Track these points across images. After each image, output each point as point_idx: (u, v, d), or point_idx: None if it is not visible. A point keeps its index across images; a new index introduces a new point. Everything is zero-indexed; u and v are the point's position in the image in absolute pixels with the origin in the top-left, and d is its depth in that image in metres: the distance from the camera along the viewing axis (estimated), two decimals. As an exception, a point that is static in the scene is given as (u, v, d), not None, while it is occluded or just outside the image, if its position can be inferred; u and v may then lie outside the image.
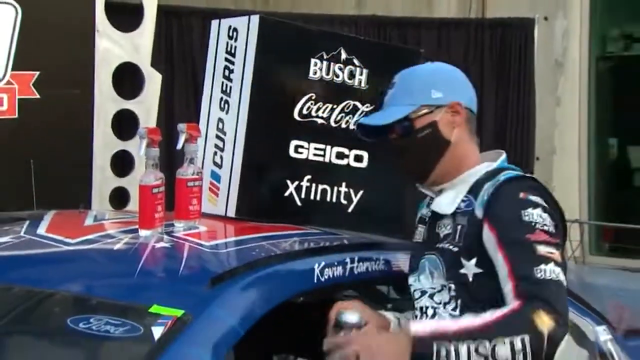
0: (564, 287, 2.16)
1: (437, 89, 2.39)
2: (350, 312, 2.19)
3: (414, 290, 2.44)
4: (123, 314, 1.98)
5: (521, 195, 2.26)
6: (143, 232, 2.44)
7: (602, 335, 3.07)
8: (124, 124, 4.74)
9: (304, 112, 2.94)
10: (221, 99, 2.93)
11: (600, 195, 7.88)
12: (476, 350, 2.05)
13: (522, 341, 2.04)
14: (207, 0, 7.15)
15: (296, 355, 3.23)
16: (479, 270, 2.31)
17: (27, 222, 2.56)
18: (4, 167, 4.36)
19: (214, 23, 2.97)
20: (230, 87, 2.90)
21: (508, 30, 6.49)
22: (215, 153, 2.92)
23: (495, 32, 6.46)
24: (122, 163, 4.80)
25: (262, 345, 2.92)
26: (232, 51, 2.92)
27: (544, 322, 2.06)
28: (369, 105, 2.97)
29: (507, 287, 2.18)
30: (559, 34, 7.32)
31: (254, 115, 2.86)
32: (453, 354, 2.04)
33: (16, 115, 4.46)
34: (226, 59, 2.93)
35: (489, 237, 2.25)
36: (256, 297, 2.19)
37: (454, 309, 2.34)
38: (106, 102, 4.73)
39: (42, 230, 2.50)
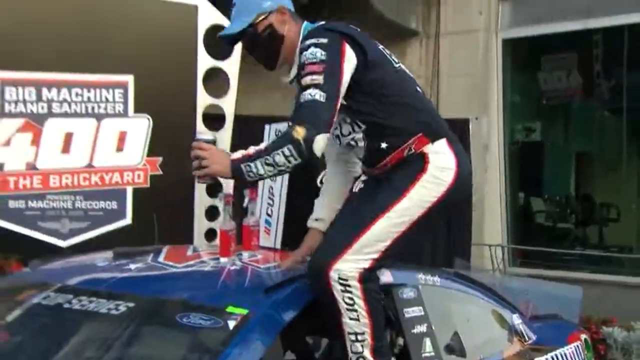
0: (318, 103, 2.00)
1: (265, 0, 2.22)
2: (205, 133, 2.19)
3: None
4: (210, 312, 1.97)
5: (306, 43, 2.10)
6: (222, 259, 2.42)
7: (516, 320, 3.03)
8: (213, 192, 4.70)
9: (323, 181, 2.90)
10: (272, 174, 2.98)
11: (513, 228, 7.82)
12: (265, 162, 1.99)
13: (289, 149, 1.96)
14: (264, 109, 7.21)
15: (322, 336, 3.18)
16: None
17: (152, 254, 2.55)
18: (141, 219, 4.34)
19: (267, 127, 3.02)
20: (278, 167, 2.95)
21: (453, 126, 6.37)
22: (268, 208, 2.93)
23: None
24: (211, 213, 4.76)
25: (299, 331, 2.88)
26: (278, 144, 2.97)
27: (299, 133, 1.97)
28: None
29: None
30: (485, 128, 7.32)
31: (291, 186, 2.86)
32: (253, 167, 2.00)
33: (148, 185, 4.46)
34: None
35: None
36: (293, 300, 2.13)
37: (359, 126, 2.17)
38: (202, 175, 4.68)
39: (161, 258, 2.49)
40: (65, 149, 4.28)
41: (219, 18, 4.79)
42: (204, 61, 4.73)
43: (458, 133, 6.48)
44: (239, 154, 2.06)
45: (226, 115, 4.83)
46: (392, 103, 2.18)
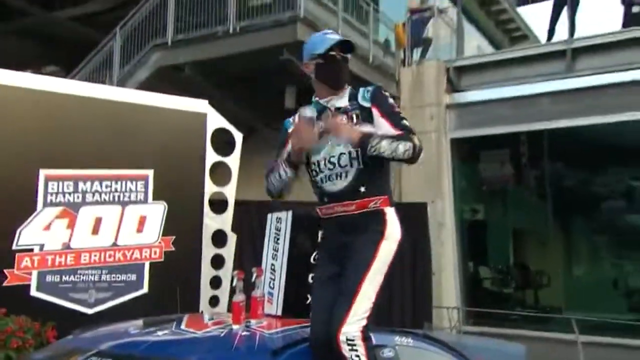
0: (408, 124, 2.26)
1: (307, 54, 2.39)
2: (306, 108, 2.25)
3: (319, 160, 2.32)
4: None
5: (383, 92, 2.33)
6: (235, 326, 2.42)
7: (474, 372, 2.99)
8: (217, 264, 4.63)
9: (316, 258, 2.92)
10: (273, 254, 2.98)
11: (466, 293, 7.82)
12: (390, 145, 2.17)
13: (410, 146, 2.19)
14: (258, 195, 7.23)
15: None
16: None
17: (175, 322, 2.52)
18: (156, 288, 4.28)
19: (269, 215, 3.07)
20: (278, 247, 2.95)
21: (414, 208, 6.01)
22: (270, 282, 2.94)
23: (409, 209, 5.84)
24: (215, 283, 4.63)
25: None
26: (278, 229, 3.00)
27: (418, 141, 2.22)
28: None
29: (391, 131, 2.23)
30: (440, 209, 7.46)
31: (289, 263, 2.88)
32: (378, 145, 2.17)
33: (162, 259, 4.39)
34: (275, 233, 3.00)
35: (376, 113, 2.27)
36: (296, 360, 2.12)
37: (359, 163, 2.28)
38: (207, 248, 4.57)
39: (183, 326, 2.47)
40: (95, 231, 4.25)
41: (222, 122, 4.91)
42: (211, 157, 4.76)
43: (418, 214, 6.67)
44: (365, 129, 2.22)
45: (228, 200, 4.82)
46: (387, 165, 2.38)
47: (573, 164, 8.15)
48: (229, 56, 7.42)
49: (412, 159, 2.21)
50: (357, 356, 2.08)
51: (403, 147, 2.18)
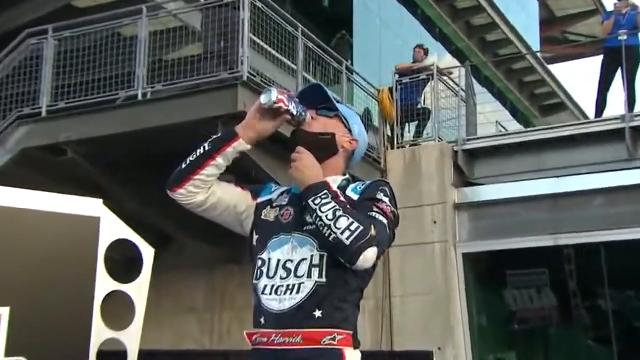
0: (385, 227, 2.41)
1: (356, 125, 2.69)
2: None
3: (270, 258, 2.49)
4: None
5: (380, 186, 2.53)
6: None
7: None
8: None
9: None
10: None
11: None
12: (334, 211, 2.33)
13: (357, 227, 2.31)
14: (175, 340, 7.00)
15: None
16: None
17: None
18: None
19: None
20: None
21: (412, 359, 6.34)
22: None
23: (407, 361, 6.14)
24: None
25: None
26: None
27: (374, 231, 2.32)
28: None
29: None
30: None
31: None
32: (329, 201, 2.36)
33: None
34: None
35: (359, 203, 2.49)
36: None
37: (320, 274, 2.43)
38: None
39: None
40: None
41: (124, 232, 4.85)
42: (104, 285, 4.67)
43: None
44: (329, 182, 2.51)
45: (128, 353, 4.65)
46: (358, 288, 2.51)
47: (643, 290, 8.35)
48: (134, 133, 7.50)
49: (350, 246, 2.32)
50: None
51: (346, 223, 2.34)
